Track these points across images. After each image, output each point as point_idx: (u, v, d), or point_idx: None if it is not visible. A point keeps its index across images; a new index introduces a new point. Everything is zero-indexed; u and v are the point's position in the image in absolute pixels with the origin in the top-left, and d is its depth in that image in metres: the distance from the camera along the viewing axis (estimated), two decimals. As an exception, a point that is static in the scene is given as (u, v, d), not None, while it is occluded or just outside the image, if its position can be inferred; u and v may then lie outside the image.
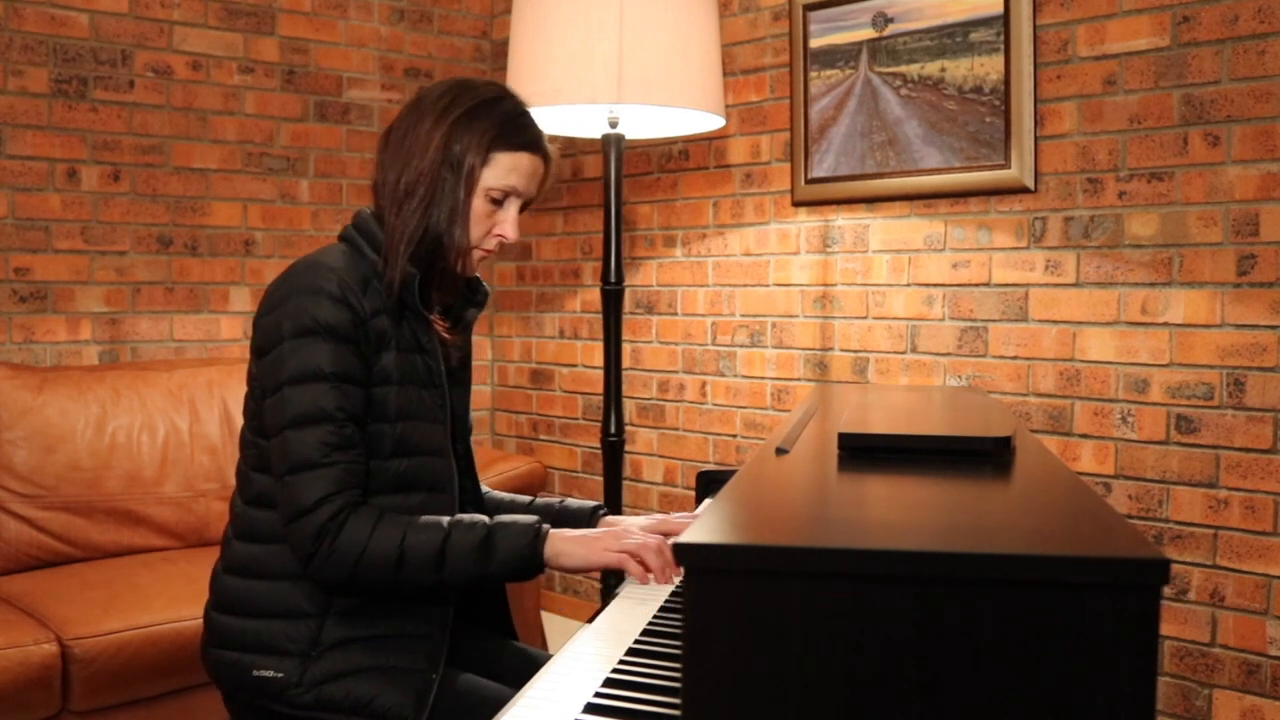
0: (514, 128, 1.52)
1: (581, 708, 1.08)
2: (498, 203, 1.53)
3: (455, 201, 1.50)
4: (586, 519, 1.68)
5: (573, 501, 1.72)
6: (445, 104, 1.51)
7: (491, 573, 1.44)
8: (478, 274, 1.65)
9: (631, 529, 1.54)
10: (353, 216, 1.57)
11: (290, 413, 1.41)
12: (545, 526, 1.47)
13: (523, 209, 1.58)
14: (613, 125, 2.45)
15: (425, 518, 1.45)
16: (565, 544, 1.46)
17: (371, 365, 1.47)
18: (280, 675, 1.45)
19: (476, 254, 1.56)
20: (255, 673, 1.46)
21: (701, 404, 3.16)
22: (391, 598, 1.49)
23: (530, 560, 1.44)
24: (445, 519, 1.45)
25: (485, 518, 1.47)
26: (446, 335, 1.58)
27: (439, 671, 1.47)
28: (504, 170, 1.52)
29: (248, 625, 1.48)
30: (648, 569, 1.46)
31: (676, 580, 1.49)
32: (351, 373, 1.44)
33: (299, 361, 1.41)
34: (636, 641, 1.28)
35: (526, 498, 1.75)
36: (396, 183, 1.50)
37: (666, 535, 1.55)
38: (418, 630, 1.49)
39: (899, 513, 0.93)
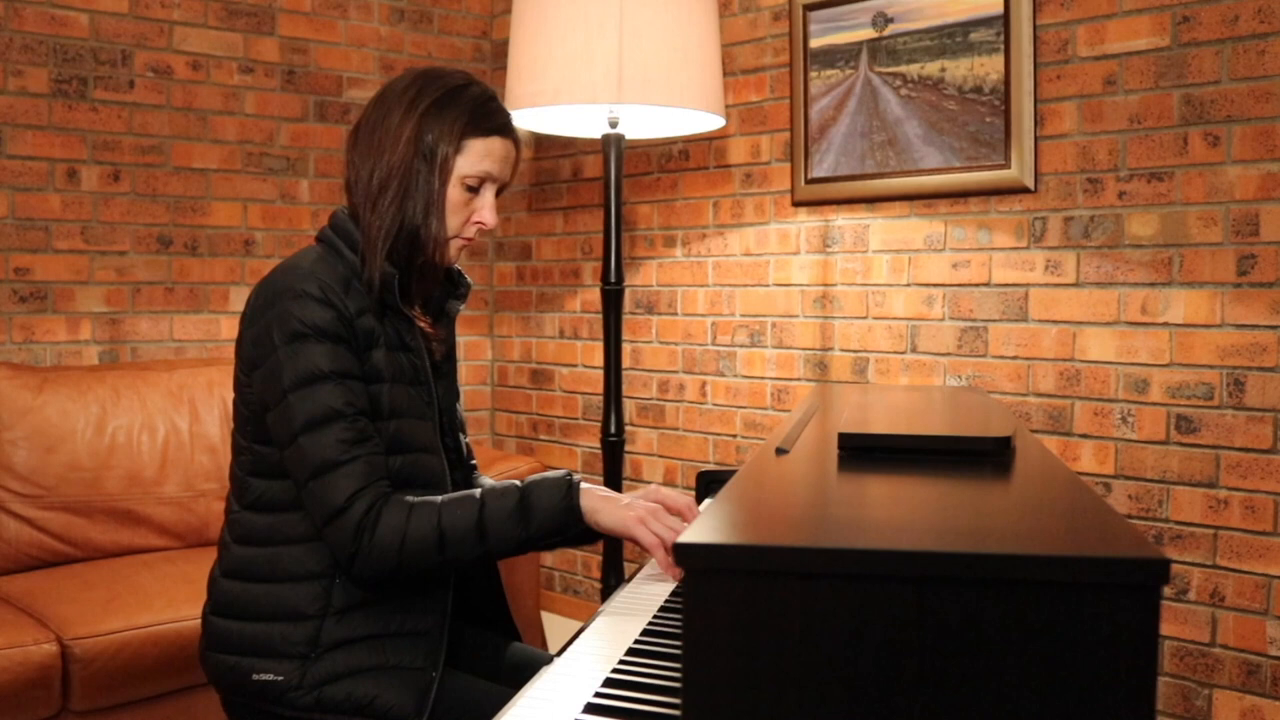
0: (484, 113, 1.52)
1: (581, 708, 1.08)
2: (473, 190, 1.52)
3: (430, 192, 1.49)
4: None
5: None
6: (413, 95, 1.50)
7: (534, 534, 1.43)
8: (458, 266, 1.64)
9: (658, 510, 1.47)
10: (329, 218, 1.55)
11: (299, 419, 1.40)
12: (576, 476, 1.46)
13: (498, 194, 1.57)
14: (613, 125, 2.45)
15: (456, 493, 1.44)
16: (601, 501, 1.44)
17: (364, 363, 1.46)
18: (280, 678, 1.44)
19: (456, 243, 1.55)
20: (255, 676, 1.46)
21: (701, 404, 3.16)
22: (438, 575, 1.48)
23: (569, 513, 1.43)
24: (477, 490, 1.45)
25: (516, 481, 1.46)
26: (429, 329, 1.57)
27: (439, 670, 1.47)
28: (477, 156, 1.51)
29: (246, 629, 1.47)
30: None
31: None
32: (350, 369, 1.43)
33: (296, 366, 1.40)
34: (636, 641, 1.28)
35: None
36: (369, 179, 1.49)
37: (664, 506, 1.51)
38: (416, 627, 1.49)
39: (899, 513, 0.93)
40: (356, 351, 1.45)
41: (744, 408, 3.06)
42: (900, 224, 2.71)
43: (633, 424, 3.32)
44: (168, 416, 2.72)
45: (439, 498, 1.43)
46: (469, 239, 1.56)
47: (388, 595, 1.48)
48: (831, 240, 2.85)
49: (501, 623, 1.73)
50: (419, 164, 1.48)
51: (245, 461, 1.51)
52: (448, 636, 1.54)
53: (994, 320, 2.55)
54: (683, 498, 1.50)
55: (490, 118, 1.52)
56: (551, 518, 1.43)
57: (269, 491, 1.48)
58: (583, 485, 1.45)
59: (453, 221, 1.52)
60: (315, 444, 1.39)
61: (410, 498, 1.43)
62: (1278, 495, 2.17)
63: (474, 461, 1.73)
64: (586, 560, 3.52)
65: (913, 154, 2.65)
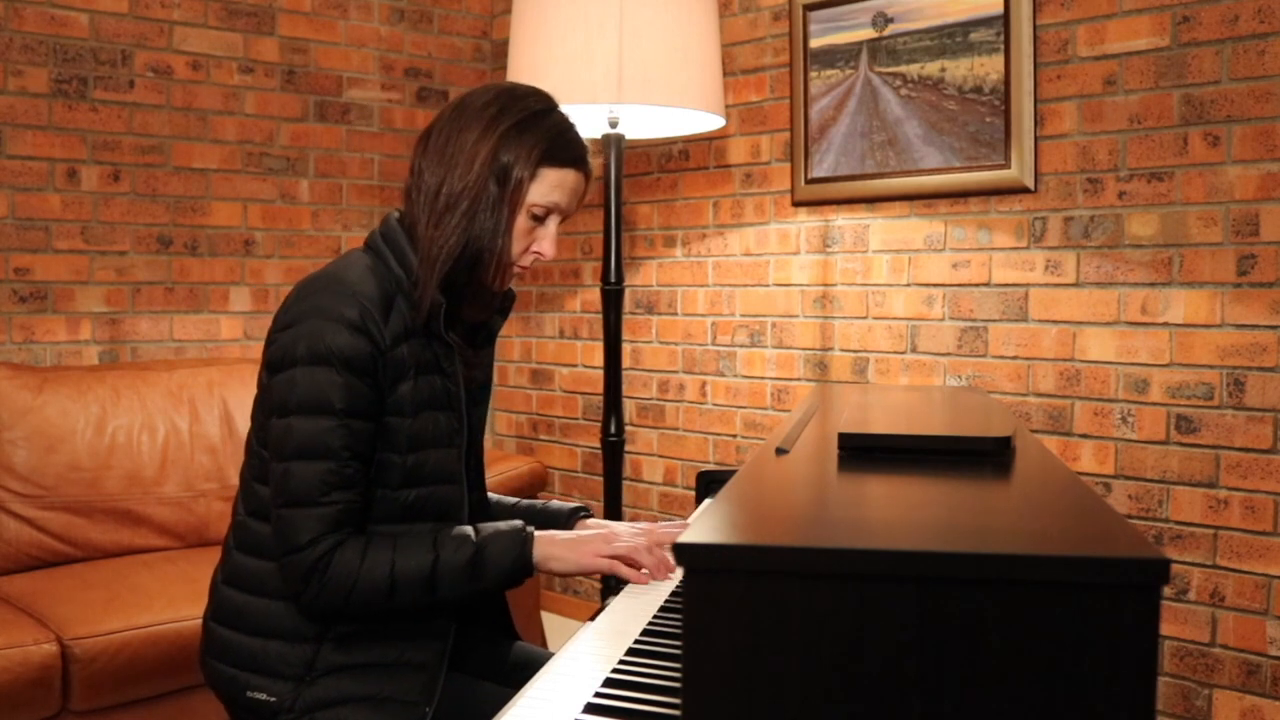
0: (563, 143, 1.47)
1: (581, 708, 1.08)
2: (538, 219, 1.48)
3: (500, 216, 1.44)
4: (564, 521, 1.66)
5: (554, 503, 1.71)
6: (493, 113, 1.45)
7: (485, 585, 1.44)
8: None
9: (619, 531, 1.53)
10: (380, 221, 1.51)
11: (294, 443, 1.38)
12: (530, 530, 1.46)
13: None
14: (613, 125, 2.45)
15: (412, 538, 1.42)
16: (553, 548, 1.46)
17: (386, 397, 1.43)
18: (273, 699, 1.43)
19: (513, 270, 1.51)
20: (249, 693, 1.44)
21: (701, 404, 3.16)
22: (390, 619, 1.47)
23: (520, 567, 1.45)
24: (431, 537, 1.43)
25: (470, 530, 1.45)
26: (471, 356, 1.54)
27: (433, 705, 1.45)
28: (550, 186, 1.46)
29: (244, 642, 1.46)
30: (641, 568, 1.46)
31: (674, 577, 1.48)
32: (362, 408, 1.40)
33: (309, 390, 1.37)
34: (636, 641, 1.28)
35: (512, 499, 1.74)
36: (437, 192, 1.44)
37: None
38: (415, 659, 1.47)
39: (899, 513, 0.93)
40: (381, 386, 1.41)
41: (744, 408, 3.06)
42: (900, 224, 2.71)
43: (633, 424, 3.32)
44: (168, 416, 2.72)
45: (395, 541, 1.41)
46: (525, 267, 1.51)
47: (390, 624, 1.47)
48: (831, 240, 2.85)
49: (501, 623, 1.72)
50: (492, 185, 1.43)
51: (255, 465, 1.49)
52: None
53: (994, 320, 2.55)
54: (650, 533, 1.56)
55: (568, 149, 1.48)
56: (503, 572, 1.44)
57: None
58: (536, 535, 1.46)
59: (515, 248, 1.47)
60: (300, 474, 1.37)
61: (370, 539, 1.41)
62: (1278, 495, 2.17)
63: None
64: (586, 560, 3.51)
65: (913, 154, 2.65)
